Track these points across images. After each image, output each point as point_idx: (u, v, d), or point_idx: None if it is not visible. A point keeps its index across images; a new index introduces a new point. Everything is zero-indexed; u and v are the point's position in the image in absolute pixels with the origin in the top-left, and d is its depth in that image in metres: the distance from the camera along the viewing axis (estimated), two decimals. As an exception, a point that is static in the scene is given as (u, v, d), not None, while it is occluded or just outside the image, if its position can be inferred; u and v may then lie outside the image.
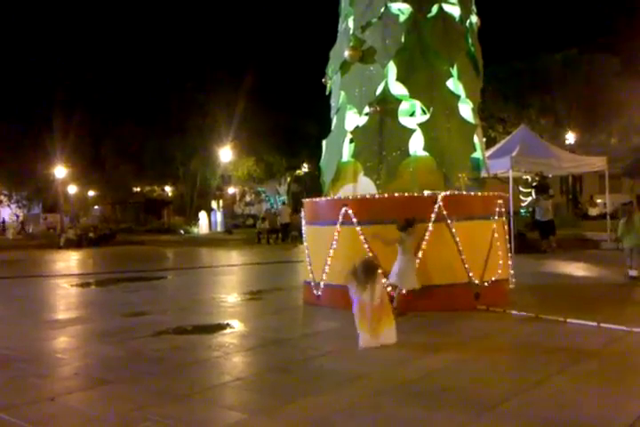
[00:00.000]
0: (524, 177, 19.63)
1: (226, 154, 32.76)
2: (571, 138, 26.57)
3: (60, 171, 34.53)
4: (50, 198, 41.40)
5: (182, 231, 34.43)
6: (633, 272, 9.70)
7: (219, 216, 37.22)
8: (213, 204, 39.22)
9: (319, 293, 7.73)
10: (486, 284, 7.24)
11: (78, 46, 37.62)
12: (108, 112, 36.25)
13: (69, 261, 18.84)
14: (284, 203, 30.37)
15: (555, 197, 28.58)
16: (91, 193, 47.46)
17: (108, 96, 36.00)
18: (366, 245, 7.18)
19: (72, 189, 42.91)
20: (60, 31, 39.14)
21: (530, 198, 18.97)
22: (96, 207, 49.29)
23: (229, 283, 11.49)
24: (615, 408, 3.68)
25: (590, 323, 6.06)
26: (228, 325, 6.78)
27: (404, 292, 6.71)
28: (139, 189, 45.28)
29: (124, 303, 8.66)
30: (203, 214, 35.81)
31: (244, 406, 4.02)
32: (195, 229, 34.89)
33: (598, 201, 31.46)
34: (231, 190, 41.48)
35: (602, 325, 5.96)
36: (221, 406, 4.02)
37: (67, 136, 33.13)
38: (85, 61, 36.66)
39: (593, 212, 32.07)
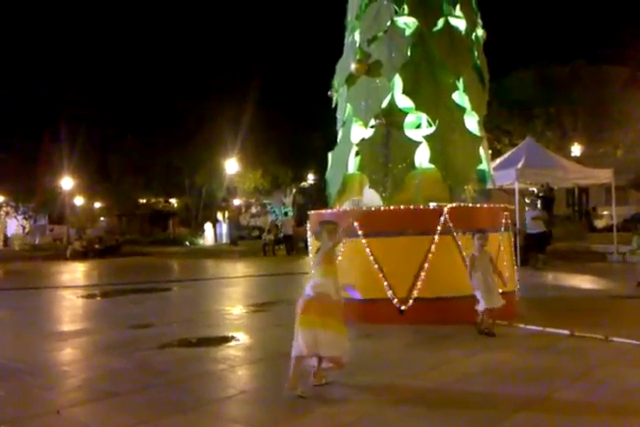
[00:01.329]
0: (531, 189, 19.60)
1: (232, 166, 32.87)
2: (576, 150, 26.54)
3: (66, 183, 34.71)
4: (56, 210, 41.59)
5: (188, 243, 34.47)
6: None
7: (224, 228, 37.26)
8: (219, 215, 39.30)
9: (325, 305, 7.69)
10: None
11: (85, 58, 38.02)
12: (115, 125, 36.51)
13: (75, 272, 18.88)
14: (286, 214, 30.36)
15: (561, 209, 28.53)
16: (97, 205, 47.65)
17: (114, 109, 36.27)
18: (372, 258, 7.17)
19: (78, 201, 43.12)
20: (65, 44, 39.56)
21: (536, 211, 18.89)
22: (102, 219, 49.43)
23: (235, 295, 11.48)
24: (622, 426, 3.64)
25: (598, 336, 6.02)
26: (233, 337, 6.76)
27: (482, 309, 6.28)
28: (145, 201, 45.46)
29: (129, 315, 8.66)
30: (208, 226, 35.88)
31: (249, 420, 4.00)
32: (200, 241, 34.93)
33: (605, 213, 31.36)
34: (237, 202, 41.56)
35: (610, 338, 5.91)
36: (226, 420, 4.00)
37: (73, 148, 33.39)
38: (92, 74, 37.01)
39: (599, 224, 31.96)
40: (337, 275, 4.69)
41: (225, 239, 35.87)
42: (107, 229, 42.42)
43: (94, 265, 21.31)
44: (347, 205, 8.20)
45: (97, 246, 26.56)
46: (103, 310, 9.87)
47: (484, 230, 6.64)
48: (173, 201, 47.90)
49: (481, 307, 6.23)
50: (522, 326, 6.69)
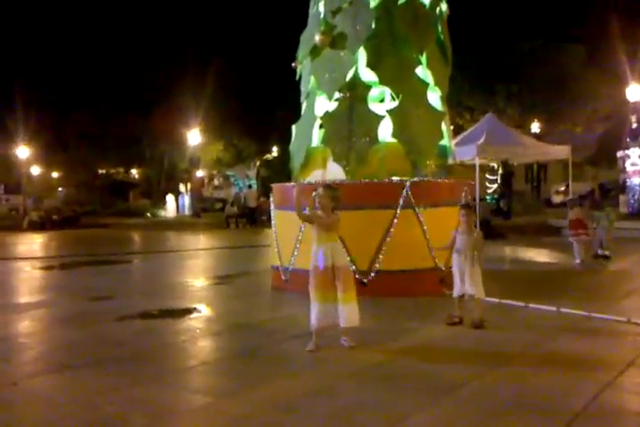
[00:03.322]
0: (491, 164, 19.93)
1: (194, 137, 32.36)
2: (536, 127, 26.99)
3: (22, 152, 33.69)
4: (12, 180, 40.40)
5: (149, 214, 34.03)
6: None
7: (186, 200, 36.82)
8: (181, 187, 38.81)
9: (287, 277, 7.77)
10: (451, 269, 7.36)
11: (39, 25, 36.54)
12: (71, 93, 35.41)
13: (33, 243, 18.50)
14: (250, 187, 30.21)
15: (520, 185, 29.09)
16: (54, 174, 46.48)
17: (69, 77, 35.14)
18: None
19: (35, 171, 41.96)
20: (19, 9, 37.87)
21: (495, 186, 19.29)
22: (60, 189, 48.30)
23: (197, 267, 11.45)
24: (571, 391, 3.81)
25: (551, 308, 6.24)
26: (194, 309, 6.77)
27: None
28: (104, 171, 44.54)
29: (88, 287, 8.57)
30: (170, 198, 35.42)
31: (210, 390, 4.05)
32: (162, 213, 34.51)
33: (561, 189, 32.16)
34: (199, 174, 41.07)
35: (562, 309, 6.14)
36: (187, 390, 4.03)
37: (29, 117, 32.30)
38: (46, 41, 35.65)
39: (557, 199, 32.79)
40: (338, 240, 4.89)
41: (187, 211, 35.49)
42: (65, 200, 41.49)
43: (52, 236, 20.90)
44: (310, 178, 8.21)
45: (55, 217, 25.97)
46: (62, 282, 9.73)
47: (469, 205, 6.06)
48: (134, 172, 47.08)
49: (454, 293, 5.66)
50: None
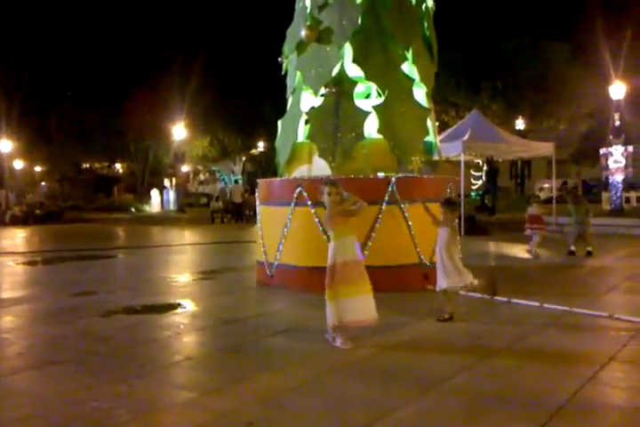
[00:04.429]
0: (476, 161, 20.03)
1: (179, 132, 32.17)
2: (520, 124, 27.16)
3: (4, 145, 33.27)
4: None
5: (133, 209, 33.83)
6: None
7: (171, 195, 36.65)
8: (166, 182, 38.60)
9: (272, 273, 7.77)
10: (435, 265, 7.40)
11: (27, 17, 36.07)
12: (55, 87, 35.05)
13: (15, 238, 18.31)
14: (236, 182, 30.13)
15: (504, 181, 29.26)
16: (38, 169, 45.97)
17: (55, 70, 34.78)
18: (320, 227, 7.23)
19: (18, 165, 41.46)
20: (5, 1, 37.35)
21: (480, 182, 19.39)
22: (43, 184, 47.81)
23: (182, 262, 11.40)
24: (553, 386, 3.85)
25: (534, 303, 6.30)
26: (179, 305, 6.75)
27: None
28: (88, 166, 44.16)
29: (71, 283, 8.50)
30: (155, 192, 35.24)
31: (194, 386, 4.04)
32: (146, 208, 34.33)
33: (545, 186, 32.43)
34: (185, 169, 40.85)
35: (545, 305, 6.20)
36: (171, 386, 4.02)
37: (12, 110, 31.90)
38: (33, 34, 35.23)
39: (540, 195, 33.04)
40: (354, 234, 4.94)
41: (172, 206, 35.33)
42: (48, 195, 41.12)
43: (35, 231, 20.69)
44: (296, 174, 8.20)
45: (38, 212, 25.73)
46: (45, 277, 9.65)
47: (452, 201, 6.07)
48: (118, 166, 46.72)
49: (437, 287, 5.69)
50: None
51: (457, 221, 5.79)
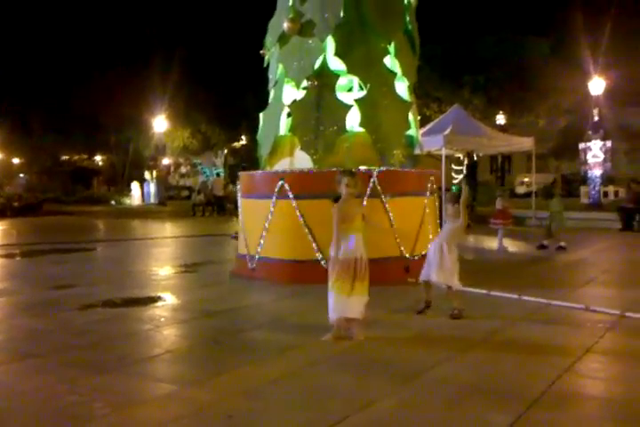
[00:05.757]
0: (457, 155, 20.11)
1: (160, 124, 31.89)
2: (501, 118, 27.35)
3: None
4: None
5: (113, 202, 33.53)
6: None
7: (152, 187, 36.32)
8: (147, 174, 38.28)
9: (253, 266, 7.76)
10: (416, 258, 7.45)
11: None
12: (34, 78, 34.51)
13: (-8, 231, 18.05)
14: (218, 175, 29.99)
15: (484, 176, 29.45)
16: (16, 160, 45.31)
17: (33, 62, 34.24)
18: (302, 219, 7.24)
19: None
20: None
21: (461, 176, 19.50)
22: (21, 175, 47.13)
23: (162, 255, 11.34)
24: (531, 376, 3.91)
25: (512, 295, 6.38)
26: (159, 297, 6.72)
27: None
28: (67, 158, 43.63)
29: (50, 276, 8.42)
30: (135, 185, 34.91)
31: (175, 378, 4.03)
32: (127, 200, 34.04)
33: (525, 180, 32.75)
34: (166, 161, 40.53)
35: (523, 297, 6.28)
36: (151, 379, 4.01)
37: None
38: (13, 27, 34.63)
39: (520, 190, 33.41)
40: (361, 231, 4.89)
41: (153, 199, 35.04)
42: (26, 187, 40.51)
43: (13, 224, 20.40)
44: (278, 167, 8.18)
45: (16, 204, 25.35)
46: (23, 270, 9.54)
47: (455, 194, 5.85)
48: (98, 158, 46.22)
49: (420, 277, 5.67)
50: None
51: (464, 216, 5.44)
